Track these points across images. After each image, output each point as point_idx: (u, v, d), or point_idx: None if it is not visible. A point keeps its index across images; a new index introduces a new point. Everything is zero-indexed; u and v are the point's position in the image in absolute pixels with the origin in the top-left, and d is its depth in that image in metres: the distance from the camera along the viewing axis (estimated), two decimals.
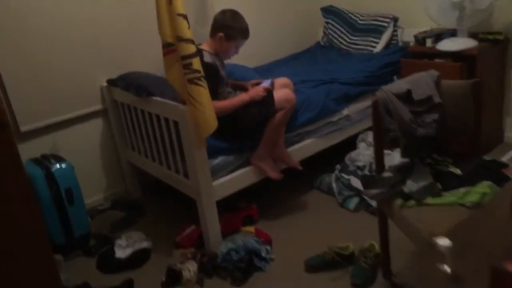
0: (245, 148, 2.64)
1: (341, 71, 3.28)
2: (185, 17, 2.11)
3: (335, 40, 3.93)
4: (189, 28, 2.13)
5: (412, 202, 1.84)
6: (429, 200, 1.82)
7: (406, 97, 1.95)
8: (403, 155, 2.01)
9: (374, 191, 1.98)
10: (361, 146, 3.25)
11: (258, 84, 2.74)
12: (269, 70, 3.59)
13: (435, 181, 1.88)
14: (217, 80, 2.49)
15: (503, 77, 3.36)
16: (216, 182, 2.52)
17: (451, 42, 3.16)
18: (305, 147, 2.93)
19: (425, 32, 3.37)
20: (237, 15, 2.54)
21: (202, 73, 2.18)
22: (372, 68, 3.32)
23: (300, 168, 2.79)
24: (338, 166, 3.10)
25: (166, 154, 2.69)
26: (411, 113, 1.92)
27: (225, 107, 2.45)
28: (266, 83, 2.64)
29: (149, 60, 3.11)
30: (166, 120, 2.54)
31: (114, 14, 3.05)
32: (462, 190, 1.82)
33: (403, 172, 1.98)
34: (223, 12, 2.55)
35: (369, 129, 3.33)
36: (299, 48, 4.11)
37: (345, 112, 3.13)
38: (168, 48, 2.24)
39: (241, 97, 2.49)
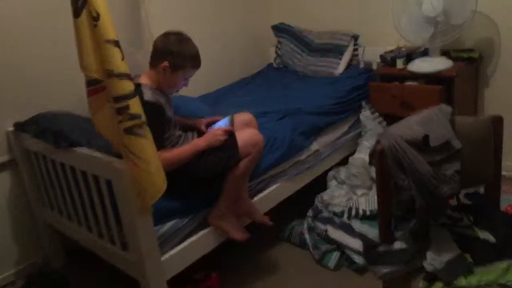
0: (201, 206, 2.07)
1: (304, 98, 2.81)
2: (116, 44, 1.53)
3: (289, 62, 3.48)
4: (123, 58, 1.55)
5: (439, 285, 1.38)
6: (461, 281, 1.37)
7: (420, 144, 1.50)
8: (422, 223, 1.55)
9: (385, 269, 1.51)
10: (332, 184, 2.79)
11: (213, 122, 2.20)
12: (218, 99, 3.05)
13: (462, 251, 1.44)
14: (163, 123, 1.92)
15: (476, 99, 3.05)
16: (166, 256, 1.92)
17: (425, 62, 2.80)
18: (270, 195, 2.40)
19: (392, 51, 2.99)
20: (184, 38, 1.98)
21: (143, 119, 1.60)
22: (338, 93, 2.88)
23: (270, 223, 2.26)
24: (310, 213, 2.61)
25: (96, 217, 2.05)
26: (429, 165, 1.47)
27: (175, 158, 1.87)
28: (224, 122, 2.10)
29: (72, 97, 2.47)
30: (96, 177, 1.92)
31: (23, 39, 2.39)
32: (501, 264, 1.39)
33: (417, 239, 1.52)
34: (166, 35, 1.98)
35: (339, 163, 2.87)
36: (248, 72, 3.61)
37: (314, 147, 2.65)
38: (94, 86, 1.64)
39: (195, 144, 1.93)
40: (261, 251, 2.54)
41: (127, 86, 1.55)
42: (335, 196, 2.65)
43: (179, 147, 1.94)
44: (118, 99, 1.55)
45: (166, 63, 1.91)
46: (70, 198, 2.20)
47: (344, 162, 2.87)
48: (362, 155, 2.68)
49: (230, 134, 1.95)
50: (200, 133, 2.19)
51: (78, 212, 2.18)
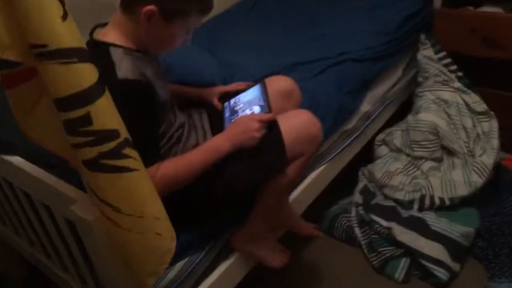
0: (222, 231, 1.34)
1: (339, 36, 1.97)
2: None
3: None
4: (65, 15, 0.72)
5: None
6: None
7: None
8: None
9: None
10: (382, 152, 2.06)
11: (232, 94, 1.38)
12: (213, 38, 2.13)
13: None
14: (153, 115, 1.10)
15: None
16: None
17: None
18: (311, 186, 1.68)
19: None
20: None
21: (124, 136, 0.81)
22: (387, 27, 2.04)
23: (320, 234, 1.57)
24: (358, 198, 1.91)
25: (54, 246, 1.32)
26: None
27: (181, 175, 1.09)
28: (253, 95, 1.29)
29: None
30: (48, 208, 1.16)
31: None
32: None
33: None
34: None
35: (390, 124, 2.13)
36: None
37: (364, 107, 1.89)
38: (12, 69, 0.82)
39: (213, 147, 1.13)
40: (296, 247, 1.84)
41: (82, 76, 0.74)
42: (392, 172, 1.93)
43: (184, 153, 1.15)
44: (64, 103, 0.74)
45: (152, 8, 1.04)
46: (16, 216, 1.44)
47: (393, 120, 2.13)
48: (429, 116, 1.93)
49: (271, 125, 1.16)
50: (212, 113, 1.40)
51: (28, 231, 1.44)
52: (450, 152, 1.93)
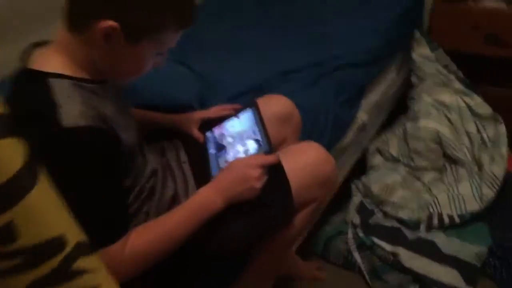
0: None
1: (336, 39, 1.74)
2: None
3: None
4: None
5: None
6: None
7: None
8: None
9: None
10: (376, 162, 1.88)
11: (215, 121, 1.14)
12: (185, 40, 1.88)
13: None
14: (117, 172, 0.83)
15: None
16: None
17: None
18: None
19: None
20: None
21: (75, 240, 0.56)
22: (383, 23, 1.83)
23: (324, 278, 1.37)
24: (355, 218, 1.71)
25: None
26: None
27: (158, 248, 0.84)
28: (253, 137, 1.03)
29: None
30: None
31: None
32: None
33: None
34: None
35: (382, 130, 1.94)
36: None
37: (361, 117, 1.69)
38: None
39: (200, 204, 0.88)
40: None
41: None
42: (390, 185, 1.75)
43: (161, 217, 0.88)
44: None
45: (111, 24, 0.76)
46: None
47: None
48: (431, 123, 1.75)
49: (275, 170, 0.94)
50: (191, 148, 1.13)
51: None
52: (452, 160, 1.76)
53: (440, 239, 1.56)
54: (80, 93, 0.78)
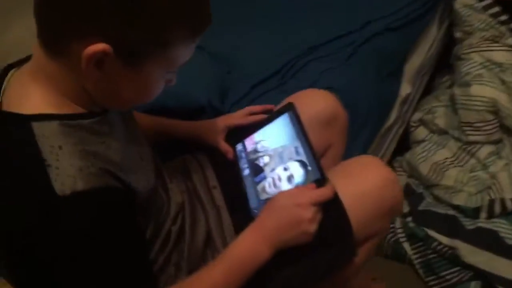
0: None
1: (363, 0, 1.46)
2: None
3: None
4: None
5: None
6: None
7: None
8: None
9: None
10: (421, 135, 1.63)
11: (243, 133, 0.90)
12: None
13: None
14: (135, 236, 0.61)
15: None
16: None
17: None
18: None
19: None
20: None
21: None
22: None
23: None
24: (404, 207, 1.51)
25: None
26: None
27: None
28: (296, 157, 0.78)
29: None
30: None
31: None
32: None
33: None
34: None
35: (423, 97, 1.69)
36: None
37: (405, 89, 1.43)
38: None
39: (242, 257, 0.68)
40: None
41: None
42: (440, 163, 1.52)
43: (195, 274, 0.67)
44: None
45: (101, 47, 0.52)
46: None
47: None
48: (486, 90, 1.49)
49: (331, 203, 0.71)
50: (219, 166, 0.91)
51: None
52: (510, 131, 1.52)
53: (504, 228, 1.35)
54: (75, 137, 0.57)
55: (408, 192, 1.54)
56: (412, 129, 1.66)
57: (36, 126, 0.55)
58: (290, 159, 0.79)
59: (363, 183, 0.80)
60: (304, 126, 0.81)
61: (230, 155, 0.89)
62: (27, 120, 0.55)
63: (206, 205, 0.83)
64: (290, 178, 0.77)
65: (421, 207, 1.48)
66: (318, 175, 0.73)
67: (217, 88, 1.10)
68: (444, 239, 1.37)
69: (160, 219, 0.73)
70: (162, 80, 0.62)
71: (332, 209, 0.72)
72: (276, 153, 0.82)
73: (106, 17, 0.51)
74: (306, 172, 0.75)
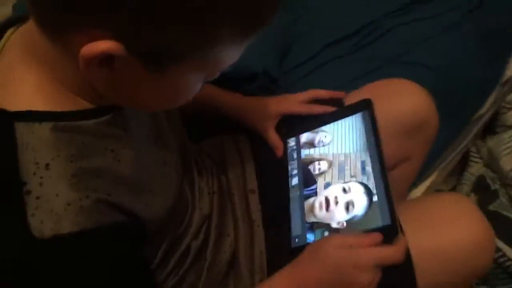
0: None
1: None
2: None
3: None
4: None
5: None
6: None
7: None
8: None
9: None
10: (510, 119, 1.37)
11: (302, 122, 0.72)
12: None
13: None
14: (135, 266, 0.48)
15: None
16: None
17: None
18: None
19: None
20: None
21: None
22: None
23: None
24: (466, 193, 1.31)
25: None
26: None
27: None
28: (361, 178, 0.59)
29: None
30: None
31: None
32: None
33: None
34: None
35: None
36: None
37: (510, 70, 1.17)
38: None
39: None
40: None
41: None
42: None
43: None
44: None
45: (108, 46, 0.35)
46: None
47: None
48: None
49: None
50: (265, 162, 0.74)
51: None
52: None
53: None
54: (72, 148, 0.42)
55: (480, 186, 1.33)
56: (504, 110, 1.40)
57: (20, 129, 0.40)
58: (353, 177, 0.61)
59: (448, 239, 0.61)
60: (380, 135, 0.62)
61: (280, 152, 0.72)
62: (9, 119, 0.40)
63: (238, 216, 0.68)
64: (348, 206, 0.59)
65: (492, 207, 1.28)
66: (387, 221, 0.55)
67: (277, 46, 0.89)
68: (510, 251, 1.19)
69: (179, 231, 0.59)
70: (199, 83, 0.45)
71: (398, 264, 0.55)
72: (337, 161, 0.64)
73: (119, 8, 0.34)
74: (370, 204, 0.58)
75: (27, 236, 0.38)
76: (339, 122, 0.68)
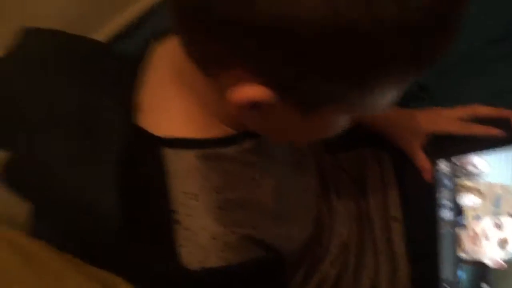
0: None
1: None
2: None
3: None
4: None
5: None
6: None
7: None
8: None
9: None
10: None
11: (457, 145, 0.65)
12: None
13: None
14: None
15: None
16: None
17: None
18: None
19: None
20: None
21: None
22: None
23: None
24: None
25: None
26: None
27: None
28: None
29: None
30: None
31: None
32: None
33: None
34: None
35: None
36: None
37: None
38: None
39: None
40: None
41: None
42: None
43: None
44: None
45: (257, 91, 0.33)
46: None
47: None
48: None
49: None
50: (410, 187, 0.66)
51: None
52: None
53: None
54: (218, 176, 0.41)
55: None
56: None
57: (169, 156, 0.40)
58: (508, 213, 0.58)
59: None
60: None
61: (428, 175, 0.64)
62: (158, 144, 0.40)
63: (378, 247, 0.63)
64: (502, 244, 0.57)
65: None
66: None
67: None
68: None
69: (316, 256, 0.58)
70: (350, 119, 0.42)
71: None
72: (492, 192, 0.62)
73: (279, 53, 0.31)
74: None
75: (177, 263, 0.40)
76: (503, 149, 0.61)
